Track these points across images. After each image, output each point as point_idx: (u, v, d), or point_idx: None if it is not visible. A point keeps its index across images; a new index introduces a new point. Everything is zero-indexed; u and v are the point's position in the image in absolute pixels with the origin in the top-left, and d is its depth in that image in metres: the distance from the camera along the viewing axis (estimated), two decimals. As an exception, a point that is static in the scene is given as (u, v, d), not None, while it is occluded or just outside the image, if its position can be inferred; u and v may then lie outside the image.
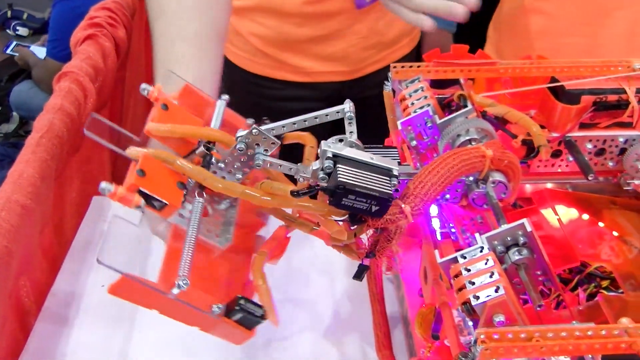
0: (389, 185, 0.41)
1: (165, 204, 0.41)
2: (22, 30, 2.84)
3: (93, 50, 0.87)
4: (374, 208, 0.40)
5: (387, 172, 0.42)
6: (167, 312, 0.42)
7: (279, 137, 0.47)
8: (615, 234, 0.61)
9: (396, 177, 0.42)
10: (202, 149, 0.47)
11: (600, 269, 0.61)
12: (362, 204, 0.40)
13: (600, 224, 0.62)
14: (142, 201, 0.40)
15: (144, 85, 0.46)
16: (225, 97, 0.53)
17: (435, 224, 0.58)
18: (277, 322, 0.45)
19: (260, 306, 0.45)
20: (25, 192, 0.62)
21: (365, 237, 0.46)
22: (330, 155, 0.42)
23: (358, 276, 0.49)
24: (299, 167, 0.44)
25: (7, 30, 2.87)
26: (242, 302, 0.43)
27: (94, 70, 0.84)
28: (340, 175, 0.40)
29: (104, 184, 0.38)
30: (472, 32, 1.00)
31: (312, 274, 0.75)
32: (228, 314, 0.43)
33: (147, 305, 0.41)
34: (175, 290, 0.39)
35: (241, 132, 0.46)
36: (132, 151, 0.43)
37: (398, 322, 0.68)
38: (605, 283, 0.60)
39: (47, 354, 0.66)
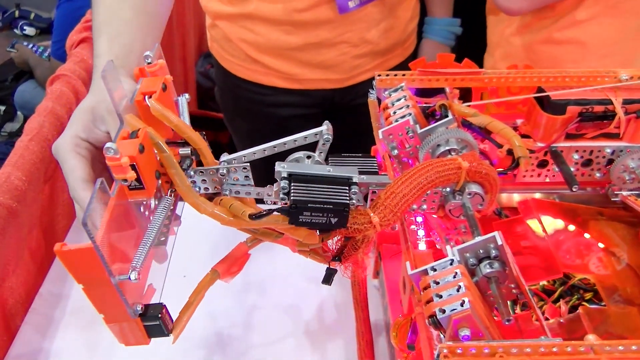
0: (346, 194, 0.41)
1: (142, 187, 0.39)
2: (29, 30, 2.88)
3: (87, 53, 0.87)
4: (332, 220, 0.40)
5: (345, 181, 0.41)
6: (92, 292, 0.39)
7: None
8: (601, 245, 0.61)
9: (356, 184, 0.42)
10: (188, 151, 0.46)
11: (584, 280, 0.61)
12: (319, 218, 0.40)
13: (587, 235, 0.62)
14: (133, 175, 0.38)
15: (148, 53, 0.45)
16: (187, 95, 0.52)
17: (421, 232, 0.57)
18: (175, 340, 0.45)
19: (172, 321, 0.44)
20: (11, 195, 0.63)
21: (332, 241, 0.46)
22: (285, 175, 0.41)
23: (326, 280, 0.49)
24: (265, 190, 0.44)
25: (15, 30, 2.90)
26: (163, 312, 0.42)
27: (88, 73, 0.85)
28: (294, 194, 0.40)
29: (110, 144, 0.36)
30: (477, 44, 1.00)
31: (297, 280, 0.75)
32: (143, 316, 0.42)
33: (78, 279, 0.38)
34: (123, 277, 0.38)
35: (226, 157, 0.45)
36: (131, 120, 0.41)
37: (383, 329, 0.68)
38: (588, 295, 0.60)
39: (32, 354, 0.66)
